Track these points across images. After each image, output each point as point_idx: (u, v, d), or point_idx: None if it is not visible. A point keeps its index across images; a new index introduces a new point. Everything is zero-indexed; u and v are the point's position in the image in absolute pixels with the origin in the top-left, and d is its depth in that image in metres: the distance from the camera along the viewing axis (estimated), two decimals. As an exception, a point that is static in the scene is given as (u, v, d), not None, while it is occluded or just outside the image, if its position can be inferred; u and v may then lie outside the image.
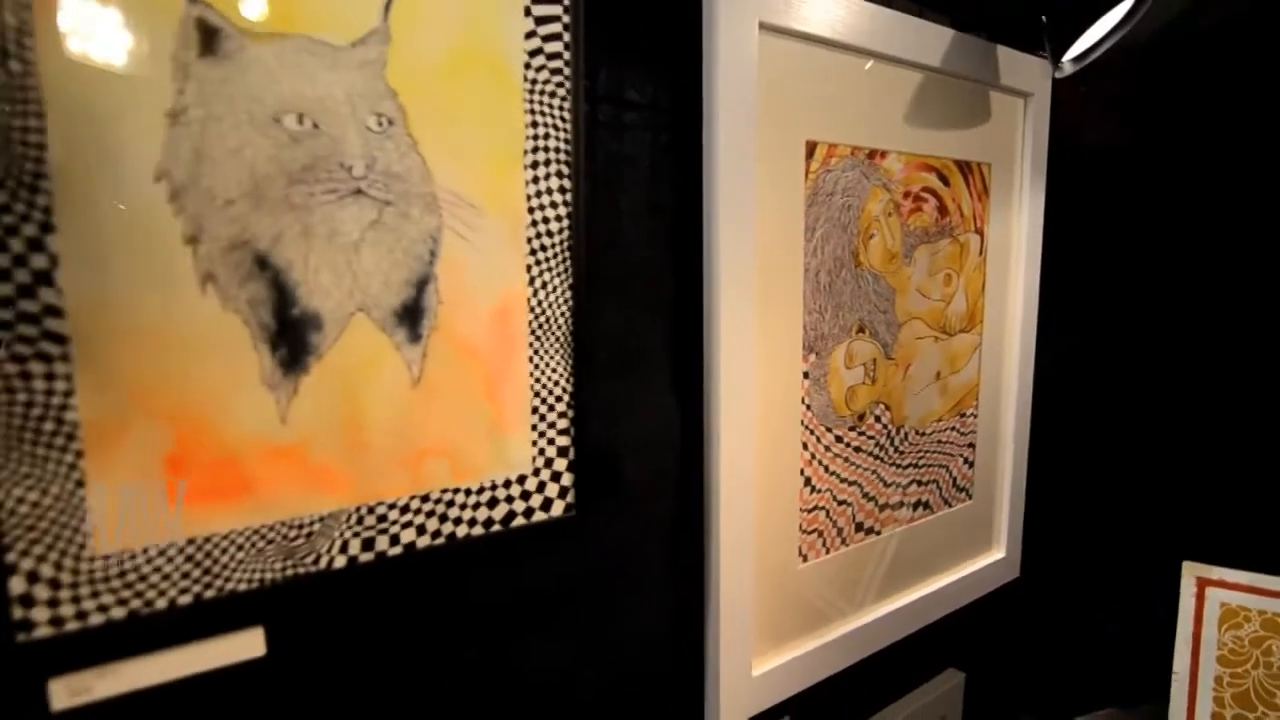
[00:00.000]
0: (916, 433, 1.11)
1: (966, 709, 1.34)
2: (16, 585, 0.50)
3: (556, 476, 0.74)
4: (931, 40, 1.01)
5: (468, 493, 0.68)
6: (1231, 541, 1.22)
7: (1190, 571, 1.12)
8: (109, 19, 0.49)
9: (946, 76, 1.05)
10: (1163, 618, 1.13)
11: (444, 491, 0.67)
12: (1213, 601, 1.12)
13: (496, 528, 0.71)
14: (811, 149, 0.91)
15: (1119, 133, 1.47)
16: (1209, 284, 1.46)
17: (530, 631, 0.77)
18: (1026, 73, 1.16)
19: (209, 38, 0.52)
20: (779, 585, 0.96)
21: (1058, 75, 1.04)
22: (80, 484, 0.51)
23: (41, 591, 0.51)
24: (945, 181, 1.08)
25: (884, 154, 0.99)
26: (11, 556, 0.49)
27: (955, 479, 1.20)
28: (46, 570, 0.51)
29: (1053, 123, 1.23)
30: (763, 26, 0.82)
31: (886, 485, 1.08)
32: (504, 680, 0.76)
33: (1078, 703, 1.32)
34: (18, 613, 0.50)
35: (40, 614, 0.51)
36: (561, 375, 0.73)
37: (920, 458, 1.13)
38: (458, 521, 0.68)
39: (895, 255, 1.03)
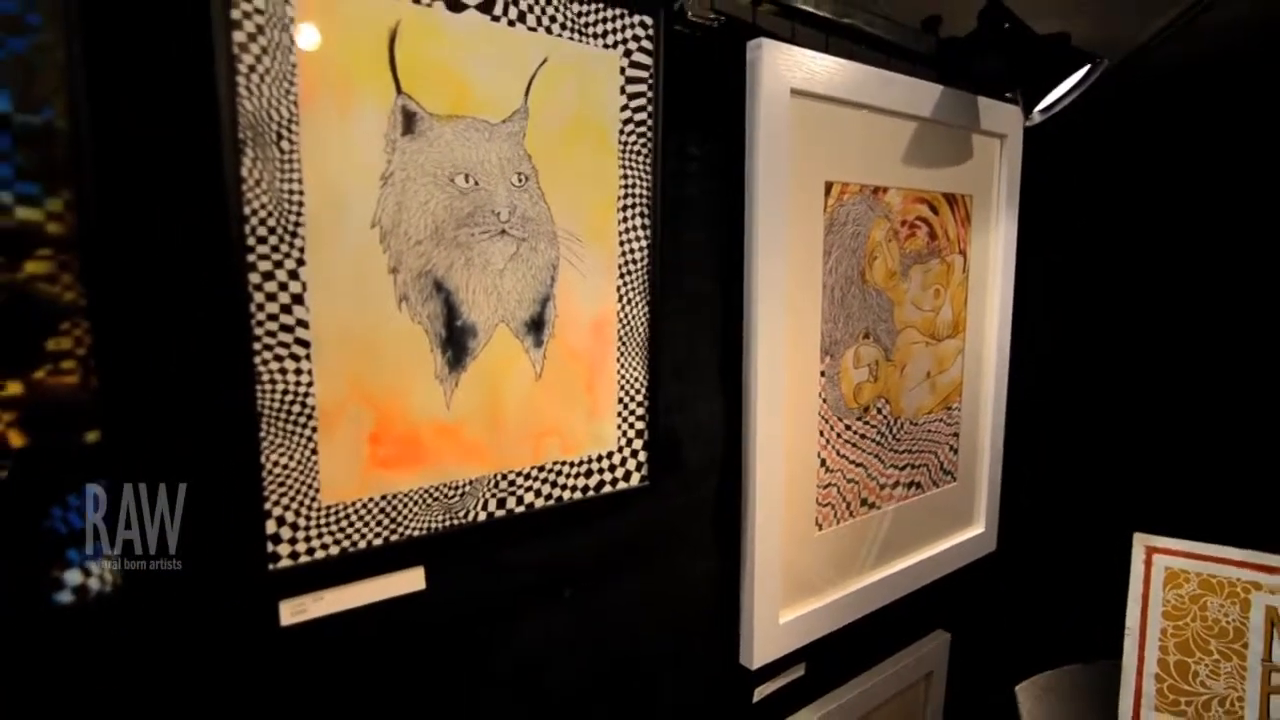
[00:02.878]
0: (911, 423, 1.31)
1: (951, 664, 1.55)
2: (270, 526, 0.67)
3: (635, 454, 0.93)
4: (923, 95, 1.21)
5: (572, 465, 0.87)
6: (1174, 515, 1.43)
7: (1140, 541, 1.33)
8: (346, 109, 0.67)
9: (935, 124, 1.25)
10: (1117, 582, 1.34)
11: (555, 463, 0.85)
12: (1158, 566, 1.34)
13: (590, 493, 0.89)
14: (829, 188, 1.10)
15: (1078, 168, 1.70)
16: (1157, 296, 1.68)
17: (610, 575, 0.95)
18: (1002, 117, 1.36)
19: (409, 120, 0.70)
20: (800, 549, 1.15)
21: (1028, 124, 1.24)
22: (314, 451, 0.69)
23: (285, 532, 0.68)
24: (935, 211, 1.29)
25: (886, 190, 1.19)
26: (268, 505, 0.67)
27: (942, 463, 1.40)
28: (289, 516, 0.68)
29: (1024, 159, 1.44)
30: (793, 92, 1.01)
31: (886, 467, 1.28)
32: (590, 609, 0.94)
33: (1048, 659, 1.52)
34: (269, 547, 0.68)
35: (283, 549, 0.68)
36: (639, 374, 0.92)
37: (914, 444, 1.33)
38: (564, 487, 0.87)
39: (894, 274, 1.23)
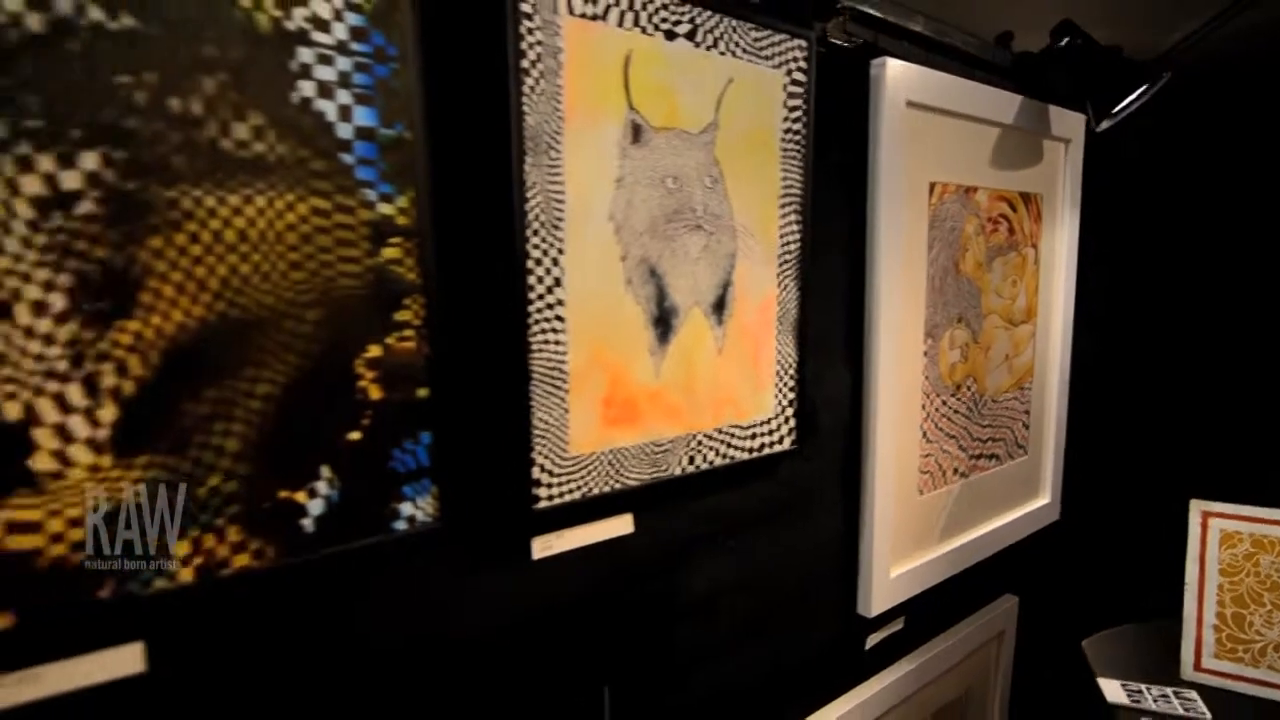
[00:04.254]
0: (993, 400, 1.45)
1: (1020, 626, 1.69)
2: (535, 472, 0.80)
3: (787, 421, 1.06)
4: (1005, 104, 1.36)
5: (742, 428, 1.00)
6: (1226, 482, 1.57)
7: (1196, 507, 1.47)
8: (594, 122, 0.80)
9: (1014, 129, 1.39)
10: (1173, 547, 1.47)
11: (730, 426, 0.99)
12: (1214, 529, 1.47)
13: (754, 454, 1.03)
14: (932, 188, 1.24)
15: (1132, 170, 1.85)
16: (1209, 282, 1.84)
17: (761, 527, 1.09)
18: (1067, 124, 1.51)
19: (636, 132, 0.84)
20: (906, 510, 1.29)
21: (1097, 130, 1.39)
22: (566, 410, 0.82)
23: (544, 477, 0.81)
24: (1014, 209, 1.43)
25: (975, 189, 1.33)
26: (534, 454, 0.80)
27: (1017, 438, 1.54)
28: (548, 464, 0.81)
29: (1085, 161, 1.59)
30: (909, 104, 1.15)
31: (972, 440, 1.42)
32: (745, 557, 1.08)
33: (1108, 620, 1.66)
34: (532, 490, 0.80)
35: (542, 492, 0.81)
36: (791, 350, 1.05)
37: (995, 420, 1.47)
38: (736, 448, 1.00)
39: (981, 265, 1.37)
